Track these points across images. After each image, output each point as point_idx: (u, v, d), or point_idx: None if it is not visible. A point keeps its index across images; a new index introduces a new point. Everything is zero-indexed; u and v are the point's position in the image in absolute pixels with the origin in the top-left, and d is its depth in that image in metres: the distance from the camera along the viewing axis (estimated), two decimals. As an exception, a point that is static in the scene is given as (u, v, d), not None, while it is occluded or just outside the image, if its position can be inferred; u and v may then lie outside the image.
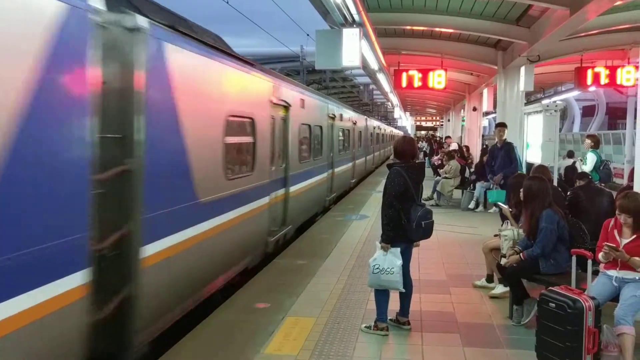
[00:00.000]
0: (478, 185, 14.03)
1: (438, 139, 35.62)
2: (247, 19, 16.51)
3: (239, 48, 12.15)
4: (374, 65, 13.51)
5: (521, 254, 5.81)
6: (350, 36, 8.98)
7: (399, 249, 5.42)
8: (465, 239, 10.34)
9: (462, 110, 29.05)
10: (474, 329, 5.70)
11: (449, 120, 36.89)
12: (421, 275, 7.46)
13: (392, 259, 5.38)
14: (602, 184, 10.44)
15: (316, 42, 9.24)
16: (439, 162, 19.02)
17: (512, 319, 5.86)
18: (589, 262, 5.00)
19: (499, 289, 6.70)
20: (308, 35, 20.45)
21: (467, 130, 25.46)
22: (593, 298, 4.55)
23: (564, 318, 4.44)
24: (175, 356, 5.06)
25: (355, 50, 9.03)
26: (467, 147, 21.72)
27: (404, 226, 5.39)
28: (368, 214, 13.24)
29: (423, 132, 68.59)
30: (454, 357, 5.02)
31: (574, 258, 5.20)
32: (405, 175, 5.40)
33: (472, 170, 16.24)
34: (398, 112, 38.96)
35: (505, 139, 12.32)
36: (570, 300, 4.47)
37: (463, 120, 28.56)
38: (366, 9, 9.39)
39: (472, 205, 14.12)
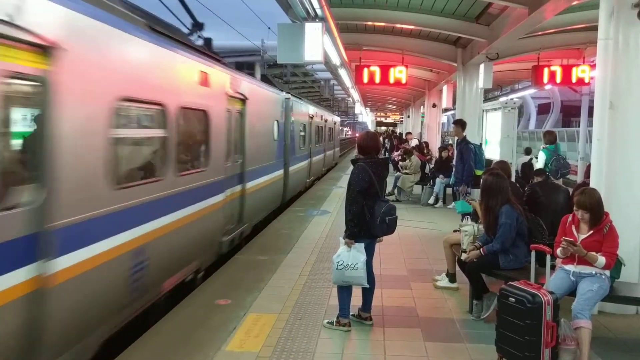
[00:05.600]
0: (437, 181, 14.19)
1: (398, 134, 35.79)
2: (208, 11, 16.25)
3: (199, 40, 11.89)
4: (335, 60, 13.48)
5: (481, 249, 5.88)
6: (313, 31, 8.91)
7: (363, 245, 5.42)
8: (425, 234, 10.44)
9: (421, 107, 29.32)
10: (434, 324, 5.75)
11: (409, 117, 37.20)
12: (382, 271, 7.49)
13: (356, 255, 5.38)
14: (556, 180, 10.62)
15: (278, 36, 9.13)
16: (400, 157, 19.14)
17: (472, 314, 5.95)
18: (548, 257, 5.09)
19: (444, 282, 6.94)
20: (269, 28, 20.32)
21: (427, 126, 25.74)
22: (551, 292, 4.62)
23: (524, 312, 4.51)
24: (134, 353, 4.96)
25: (317, 44, 8.97)
26: (427, 143, 21.94)
27: (368, 222, 5.39)
28: (329, 209, 13.24)
29: (383, 128, 68.99)
30: (416, 352, 5.05)
31: (533, 253, 5.30)
32: (369, 170, 5.39)
33: (432, 166, 16.41)
34: (359, 108, 39.15)
35: (465, 136, 11.83)
36: (529, 295, 4.53)
37: (422, 117, 28.83)
38: (328, 4, 9.35)
39: (431, 200, 14.30)
